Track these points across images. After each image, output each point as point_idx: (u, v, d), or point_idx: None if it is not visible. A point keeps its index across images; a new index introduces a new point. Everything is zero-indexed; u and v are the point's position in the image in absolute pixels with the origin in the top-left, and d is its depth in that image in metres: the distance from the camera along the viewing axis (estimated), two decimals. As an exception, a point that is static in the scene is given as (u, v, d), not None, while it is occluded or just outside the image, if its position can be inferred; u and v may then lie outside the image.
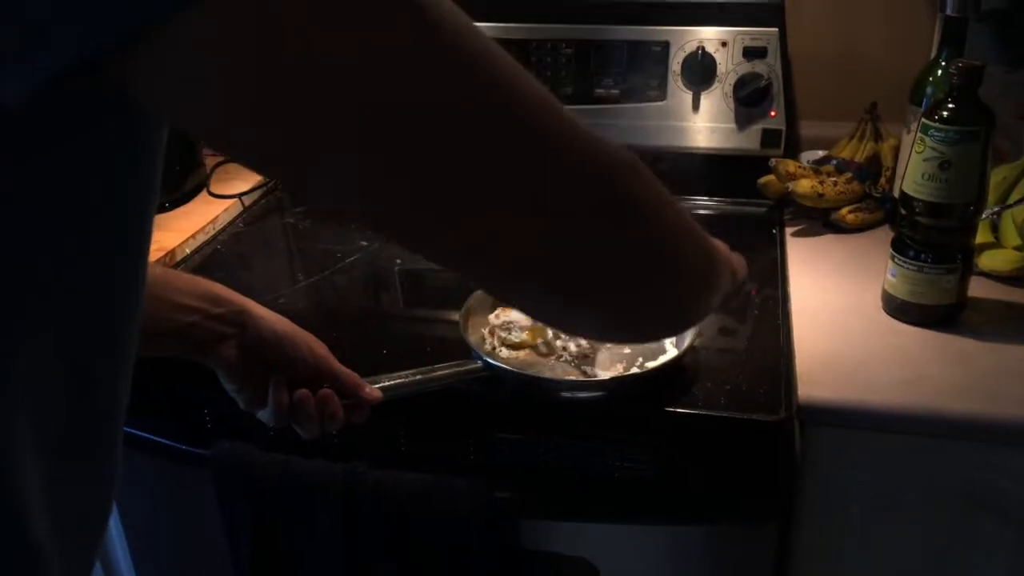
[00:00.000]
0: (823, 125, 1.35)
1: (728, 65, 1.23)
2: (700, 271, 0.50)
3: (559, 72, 1.28)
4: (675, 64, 1.24)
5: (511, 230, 0.38)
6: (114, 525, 1.13)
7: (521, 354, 0.94)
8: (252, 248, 1.23)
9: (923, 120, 0.90)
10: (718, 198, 1.31)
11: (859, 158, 1.23)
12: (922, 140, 0.90)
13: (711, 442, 0.86)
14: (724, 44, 1.23)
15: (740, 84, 1.23)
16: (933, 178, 0.90)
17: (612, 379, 0.88)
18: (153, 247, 1.17)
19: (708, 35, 1.23)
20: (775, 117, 1.24)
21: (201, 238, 1.22)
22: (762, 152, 1.25)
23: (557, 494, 0.92)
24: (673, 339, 0.94)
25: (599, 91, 1.28)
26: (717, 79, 1.24)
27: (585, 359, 0.92)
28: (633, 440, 0.89)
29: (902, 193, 0.94)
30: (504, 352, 0.94)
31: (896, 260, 0.96)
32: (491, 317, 0.97)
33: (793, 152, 1.34)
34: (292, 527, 0.95)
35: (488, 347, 0.94)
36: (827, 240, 1.19)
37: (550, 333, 0.96)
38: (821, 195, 1.17)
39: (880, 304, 1.01)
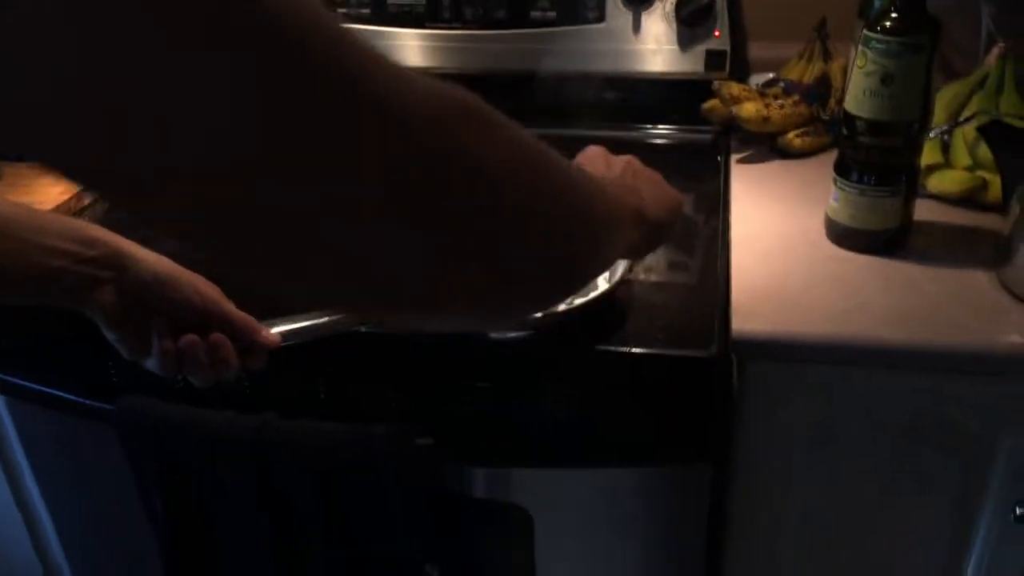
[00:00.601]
0: (774, 45, 1.28)
1: (669, -18, 1.16)
2: (579, 227, 0.44)
3: (491, -6, 1.20)
4: (613, -18, 1.17)
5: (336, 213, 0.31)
6: (31, 483, 1.08)
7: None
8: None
9: (864, 32, 0.84)
10: (662, 125, 1.24)
11: (807, 79, 1.17)
12: (864, 54, 0.84)
13: (642, 381, 0.82)
14: (664, -41, 1.15)
15: (682, 3, 1.16)
16: (875, 94, 0.84)
17: (536, 319, 0.83)
18: (58, 190, 1.11)
19: (647, -50, 1.16)
20: (719, 38, 1.17)
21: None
22: (707, 75, 1.19)
23: (483, 439, 0.87)
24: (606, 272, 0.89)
25: (534, 13, 1.20)
26: (658, -3, 1.17)
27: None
28: (561, 381, 0.84)
29: (843, 111, 0.88)
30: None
31: (838, 183, 0.91)
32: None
33: (743, 75, 1.27)
34: (204, 482, 0.90)
35: None
36: (773, 166, 1.13)
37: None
38: (766, 119, 1.11)
39: (824, 231, 0.96)
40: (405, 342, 0.84)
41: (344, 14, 1.24)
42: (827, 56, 1.18)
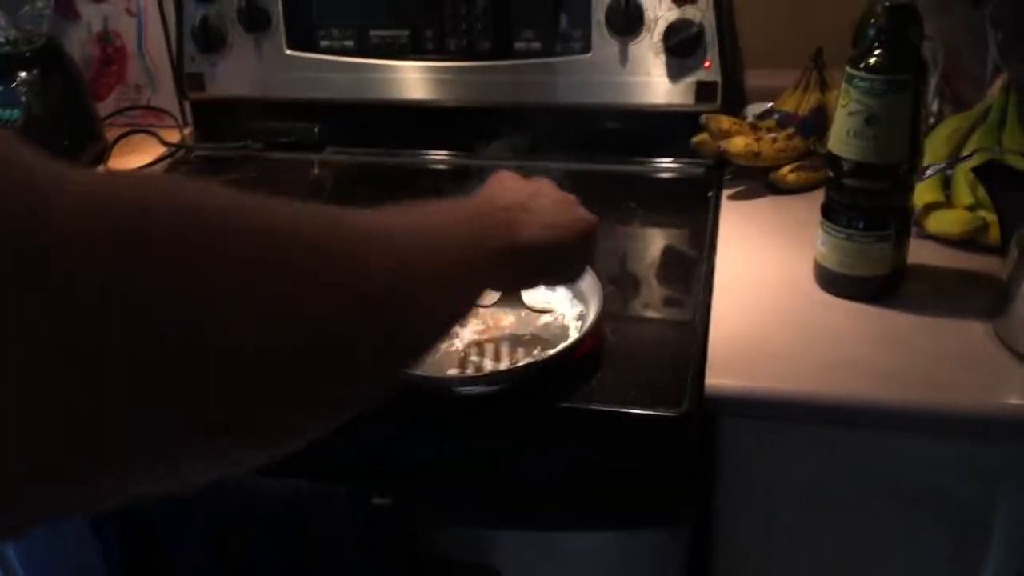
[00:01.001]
0: (772, 74, 1.23)
1: (657, 11, 1.12)
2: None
3: (474, 24, 1.17)
4: (599, 13, 1.13)
5: None
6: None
7: (408, 344, 0.85)
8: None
9: (847, 69, 0.79)
10: (652, 158, 1.20)
11: (803, 111, 1.12)
12: (847, 92, 0.79)
13: (612, 440, 0.77)
14: (651, -12, 1.11)
15: (670, 32, 1.11)
16: (859, 135, 0.79)
17: (499, 373, 0.79)
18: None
19: (634, -21, 1.12)
20: (709, 68, 1.12)
21: (88, 219, 1.13)
22: (697, 107, 1.14)
23: (448, 499, 0.83)
24: (578, 320, 0.85)
25: (519, 45, 1.16)
26: (645, 27, 1.12)
27: (478, 347, 0.83)
28: (528, 439, 0.80)
29: (828, 152, 0.83)
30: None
31: (825, 227, 0.86)
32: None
33: (738, 105, 1.23)
34: (162, 532, 0.87)
35: None
36: (766, 203, 1.08)
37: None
38: (757, 154, 1.07)
39: (813, 276, 0.91)
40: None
41: (327, 47, 1.21)
42: (824, 86, 1.13)
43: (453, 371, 0.80)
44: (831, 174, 0.84)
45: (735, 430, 0.80)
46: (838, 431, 0.79)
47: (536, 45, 1.16)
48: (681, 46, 1.11)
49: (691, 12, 1.11)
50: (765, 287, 0.91)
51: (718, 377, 0.78)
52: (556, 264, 0.64)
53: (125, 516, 0.86)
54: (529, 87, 1.18)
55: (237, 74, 1.26)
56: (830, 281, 0.87)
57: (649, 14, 1.12)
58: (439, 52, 1.19)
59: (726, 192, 1.11)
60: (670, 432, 0.75)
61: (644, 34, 1.13)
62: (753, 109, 1.22)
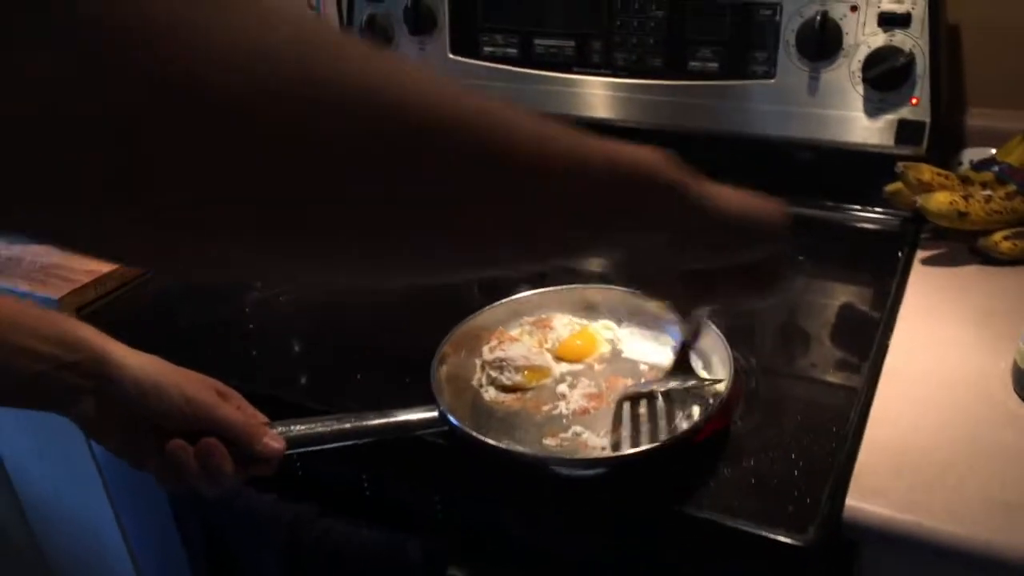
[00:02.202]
0: (999, 115, 1.04)
1: (858, 36, 0.95)
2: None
3: (646, 39, 1.05)
4: (789, 33, 0.98)
5: None
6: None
7: (510, 399, 0.77)
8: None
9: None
10: (837, 204, 1.04)
11: (1032, 165, 0.92)
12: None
13: (718, 557, 0.65)
14: (854, 8, 0.95)
15: (872, 61, 0.95)
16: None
17: (598, 460, 0.69)
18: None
19: (834, -4, 0.96)
20: (916, 106, 0.95)
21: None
22: (897, 149, 0.97)
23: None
24: (700, 399, 0.73)
25: (693, 64, 1.04)
26: (842, 53, 0.97)
27: (585, 416, 0.73)
28: (623, 535, 0.70)
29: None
30: (491, 393, 0.77)
31: (1033, 326, 0.69)
32: (485, 349, 0.80)
33: (951, 148, 1.04)
34: (241, 557, 0.85)
35: (477, 383, 0.78)
36: (969, 274, 0.90)
37: (554, 377, 0.78)
38: (963, 214, 0.89)
39: (1011, 382, 0.73)
40: (460, 453, 0.73)
41: (490, 53, 1.14)
42: (1064, 137, 0.92)
43: (551, 442, 0.71)
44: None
45: (877, 565, 0.66)
46: (1013, 589, 0.62)
47: (713, 66, 1.03)
48: (884, 77, 0.94)
49: (900, 39, 0.94)
50: (946, 384, 0.75)
51: (864, 498, 0.64)
52: (746, 242, 0.46)
53: (210, 539, 0.84)
54: (702, 111, 1.05)
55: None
56: (1032, 392, 0.70)
57: (849, 38, 0.96)
58: (606, 66, 1.09)
59: (921, 253, 0.94)
60: (791, 561, 0.62)
61: (840, 60, 0.97)
62: (971, 154, 1.03)
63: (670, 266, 0.47)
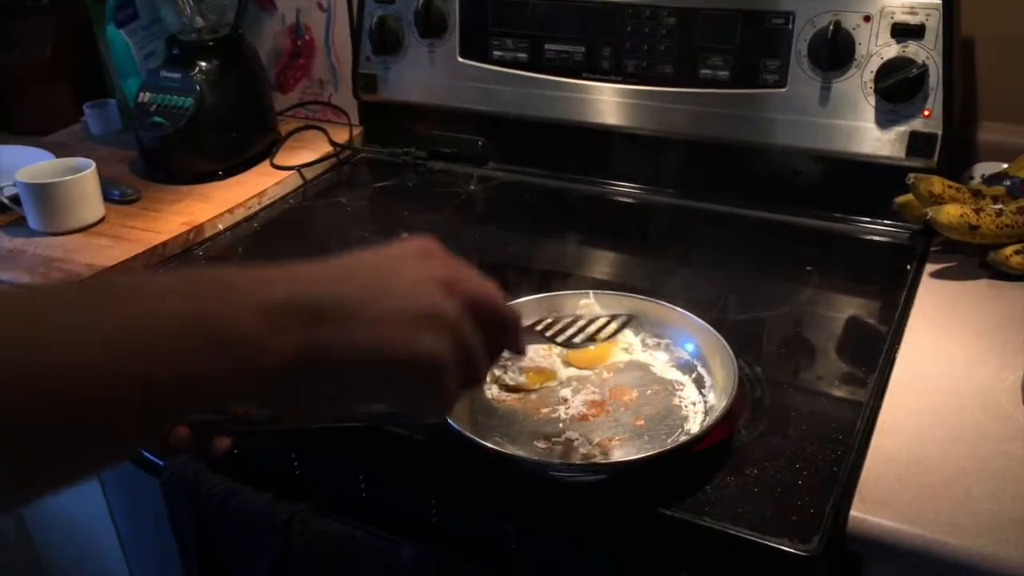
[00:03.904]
0: (1013, 130, 1.03)
1: (871, 46, 0.95)
2: None
3: (657, 46, 1.05)
4: (801, 42, 0.97)
5: None
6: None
7: (512, 398, 0.76)
8: (290, 230, 1.11)
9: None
10: (846, 215, 1.03)
11: (1045, 179, 0.91)
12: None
13: (716, 565, 0.64)
14: (867, 19, 0.94)
15: (884, 72, 0.94)
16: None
17: (600, 465, 0.67)
18: (183, 219, 1.10)
19: (846, 6, 0.95)
20: (929, 117, 0.94)
21: (240, 213, 1.12)
22: (908, 162, 0.96)
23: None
24: (700, 400, 0.72)
25: (704, 72, 1.03)
26: (855, 63, 0.96)
27: (583, 422, 0.72)
28: (623, 542, 0.68)
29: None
30: (494, 391, 0.76)
31: (1043, 339, 0.67)
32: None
33: (964, 163, 1.03)
34: (234, 556, 0.83)
35: None
36: (978, 288, 0.89)
37: (560, 381, 0.77)
38: (974, 227, 0.88)
39: (1020, 394, 0.72)
40: (459, 455, 0.72)
41: (499, 57, 1.14)
42: (1077, 152, 0.91)
43: (541, 444, 0.69)
44: (1060, 274, 0.66)
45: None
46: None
47: (724, 74, 1.02)
48: (897, 89, 0.94)
49: (914, 50, 0.93)
50: (954, 396, 0.73)
51: (868, 509, 0.63)
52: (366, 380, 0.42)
53: (206, 540, 0.83)
54: (712, 120, 1.05)
55: (409, 78, 1.21)
56: (1042, 406, 0.69)
57: (861, 48, 0.95)
58: (616, 73, 1.08)
59: (930, 267, 0.93)
60: (793, 571, 0.61)
61: (852, 71, 0.96)
62: (982, 169, 1.02)
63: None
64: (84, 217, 1.05)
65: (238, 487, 0.81)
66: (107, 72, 1.40)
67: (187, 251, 1.04)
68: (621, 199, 1.15)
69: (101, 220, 1.07)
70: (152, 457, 0.86)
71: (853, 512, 0.63)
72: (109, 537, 1.09)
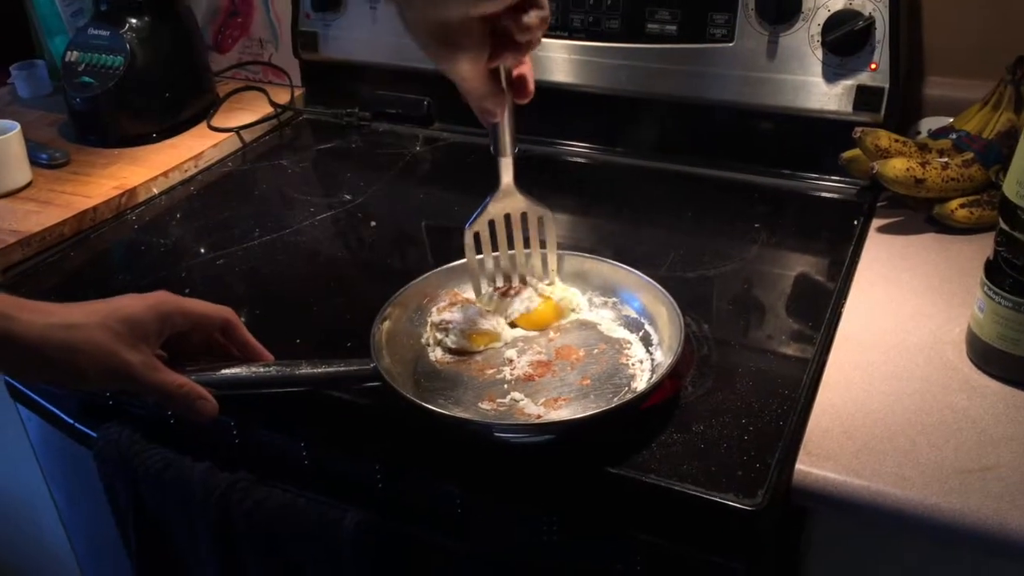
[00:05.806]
0: (957, 84, 1.02)
1: (817, -1, 0.94)
2: None
3: (603, 1, 1.02)
4: (748, -5, 0.96)
5: None
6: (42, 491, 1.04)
7: (456, 360, 0.74)
8: (228, 194, 1.07)
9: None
10: (794, 172, 1.02)
11: (989, 133, 0.91)
12: (1037, 121, 0.60)
13: (666, 522, 0.63)
14: (814, -30, 0.93)
15: (831, 24, 0.93)
16: (1047, 179, 0.60)
17: (546, 424, 0.66)
18: (114, 183, 1.06)
19: (793, -42, 0.94)
20: (875, 71, 0.94)
21: (176, 177, 1.08)
22: (855, 116, 0.96)
23: (466, 542, 0.72)
24: (647, 358, 0.71)
25: (651, 27, 1.01)
26: (801, 16, 0.95)
27: (528, 383, 0.71)
28: (563, 504, 0.67)
29: (1002, 198, 0.65)
30: (438, 353, 0.74)
31: (986, 289, 0.67)
32: (434, 310, 0.78)
33: (910, 119, 1.03)
34: (173, 526, 0.81)
35: (425, 342, 0.75)
36: (924, 242, 0.89)
37: (505, 342, 0.75)
38: (920, 181, 0.87)
39: (965, 346, 0.72)
40: (400, 417, 0.70)
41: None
42: (1021, 105, 0.91)
43: (487, 406, 0.68)
44: (1003, 224, 0.65)
45: (827, 530, 0.65)
46: (963, 555, 0.61)
47: (671, 29, 1.00)
48: (843, 41, 0.93)
49: (860, 2, 0.92)
50: (900, 349, 0.73)
51: (814, 462, 0.62)
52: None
53: (143, 510, 0.81)
54: (659, 76, 1.03)
55: (351, 36, 1.18)
56: (985, 358, 0.69)
57: (808, 1, 0.94)
58: (562, 29, 1.05)
59: (876, 222, 0.92)
60: (739, 525, 0.61)
61: (800, 24, 0.95)
62: (928, 123, 1.01)
63: None
64: (8, 182, 1.00)
65: (175, 456, 0.78)
66: (34, 31, 1.34)
67: (119, 216, 1.00)
68: (569, 158, 1.13)
69: (28, 185, 1.03)
70: (84, 428, 0.83)
71: (798, 465, 0.62)
72: (48, 510, 1.06)
